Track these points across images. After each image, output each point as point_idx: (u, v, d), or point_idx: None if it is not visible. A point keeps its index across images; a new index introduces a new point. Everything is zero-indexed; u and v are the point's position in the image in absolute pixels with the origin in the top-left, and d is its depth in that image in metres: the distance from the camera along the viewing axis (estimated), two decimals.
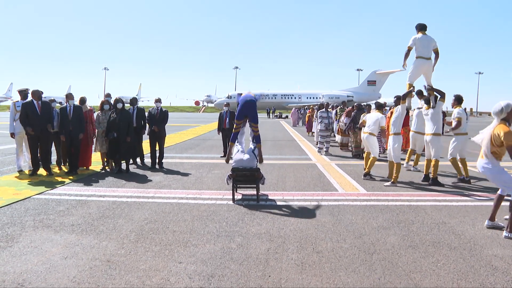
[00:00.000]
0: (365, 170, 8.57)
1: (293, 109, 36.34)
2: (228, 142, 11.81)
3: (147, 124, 10.12)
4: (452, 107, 8.46)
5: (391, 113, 9.23)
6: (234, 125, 6.92)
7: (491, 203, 5.39)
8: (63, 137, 8.76)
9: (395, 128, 8.02)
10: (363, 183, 8.04)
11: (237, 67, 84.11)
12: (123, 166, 9.14)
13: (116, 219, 5.40)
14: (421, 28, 7.97)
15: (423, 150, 8.94)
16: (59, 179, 8.23)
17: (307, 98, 57.73)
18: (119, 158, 9.04)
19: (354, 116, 12.16)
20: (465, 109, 21.79)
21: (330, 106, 16.35)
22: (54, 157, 9.58)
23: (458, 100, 8.32)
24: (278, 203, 6.40)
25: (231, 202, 6.35)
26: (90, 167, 9.50)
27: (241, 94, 7.60)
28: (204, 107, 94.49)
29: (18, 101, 8.85)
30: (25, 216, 5.48)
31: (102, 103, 9.55)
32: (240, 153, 6.59)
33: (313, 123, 18.64)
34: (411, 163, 9.85)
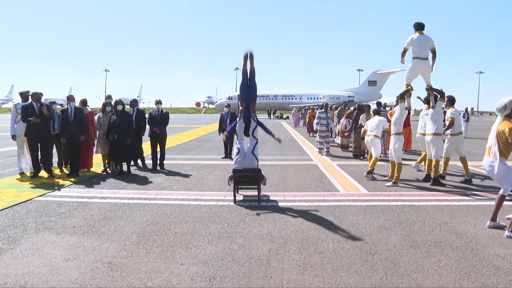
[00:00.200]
0: (368, 169, 8.62)
1: (293, 110, 36.37)
2: (229, 143, 11.94)
3: (147, 125, 10.13)
4: (445, 108, 8.49)
5: (390, 114, 9.24)
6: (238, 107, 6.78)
7: (493, 203, 5.39)
8: (63, 139, 8.78)
9: (396, 128, 8.04)
10: (364, 183, 8.03)
11: (237, 68, 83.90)
12: (124, 167, 9.15)
13: (118, 221, 5.41)
14: (419, 27, 7.94)
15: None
16: (61, 181, 8.24)
17: (308, 98, 57.82)
18: (119, 160, 9.06)
19: (355, 116, 12.18)
20: (466, 109, 21.91)
21: (329, 107, 16.31)
22: (55, 159, 9.60)
23: (451, 101, 8.46)
24: (280, 204, 6.40)
25: (232, 203, 6.35)
26: (91, 169, 9.52)
27: None
28: (205, 108, 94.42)
29: (19, 103, 8.86)
30: (26, 218, 5.49)
31: (104, 105, 9.61)
32: (240, 153, 6.57)
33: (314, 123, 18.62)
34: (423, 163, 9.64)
